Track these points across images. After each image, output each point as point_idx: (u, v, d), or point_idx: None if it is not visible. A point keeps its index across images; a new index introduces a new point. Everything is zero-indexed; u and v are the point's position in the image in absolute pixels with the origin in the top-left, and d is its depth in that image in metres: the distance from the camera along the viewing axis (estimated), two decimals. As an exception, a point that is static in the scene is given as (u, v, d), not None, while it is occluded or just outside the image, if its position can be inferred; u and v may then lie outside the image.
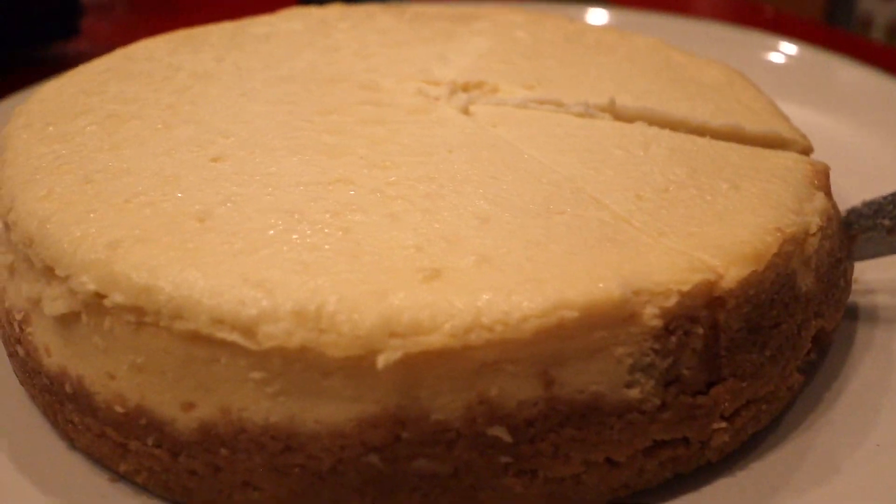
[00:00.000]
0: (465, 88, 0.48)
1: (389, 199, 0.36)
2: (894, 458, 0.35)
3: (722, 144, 0.43)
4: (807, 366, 0.39)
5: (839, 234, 0.41)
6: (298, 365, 0.30)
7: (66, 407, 0.35)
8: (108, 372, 0.33)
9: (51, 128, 0.42)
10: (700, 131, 0.44)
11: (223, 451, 0.32)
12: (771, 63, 0.67)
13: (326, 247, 0.33)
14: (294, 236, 0.33)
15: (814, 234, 0.37)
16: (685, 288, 0.32)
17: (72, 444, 0.36)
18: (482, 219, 0.35)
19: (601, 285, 0.31)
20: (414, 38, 0.56)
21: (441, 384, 0.30)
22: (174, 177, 0.37)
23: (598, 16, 0.76)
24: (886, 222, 0.42)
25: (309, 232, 0.33)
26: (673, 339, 0.32)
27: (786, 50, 0.68)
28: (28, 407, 0.39)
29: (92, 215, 0.34)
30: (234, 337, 0.30)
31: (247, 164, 0.38)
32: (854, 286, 0.43)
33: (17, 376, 0.39)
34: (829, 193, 0.41)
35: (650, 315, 0.31)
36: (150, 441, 0.33)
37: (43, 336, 0.35)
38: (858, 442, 0.37)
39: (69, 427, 0.36)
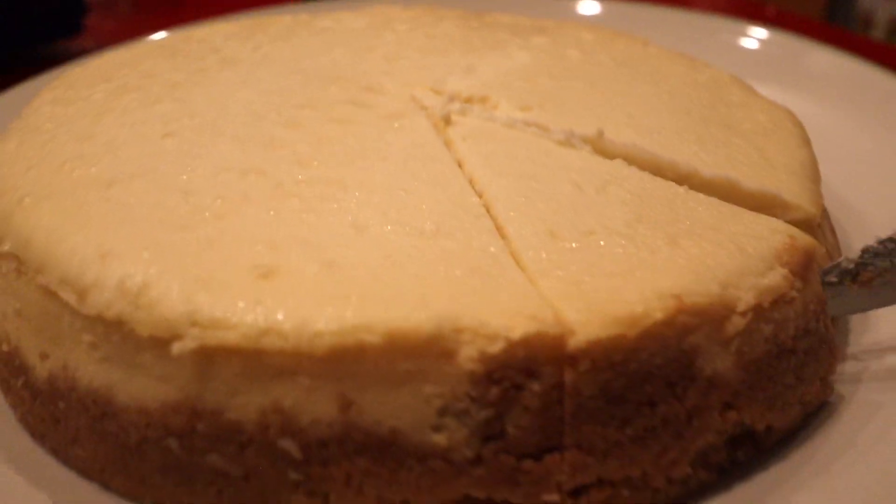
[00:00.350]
0: (466, 101, 0.46)
1: (285, 195, 0.36)
2: None
3: (699, 197, 0.38)
4: (723, 462, 0.33)
5: (804, 322, 0.34)
6: (117, 336, 0.31)
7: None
8: (2, 311, 0.36)
9: (69, 91, 0.47)
10: (685, 180, 0.39)
11: (61, 404, 0.33)
12: (743, 48, 0.63)
13: (196, 228, 0.33)
14: (171, 216, 0.34)
15: (741, 314, 0.31)
16: (514, 336, 0.28)
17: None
18: (359, 228, 0.34)
19: (414, 314, 0.29)
20: (458, 48, 0.54)
21: (238, 383, 0.30)
22: (121, 145, 0.40)
23: (589, 7, 0.72)
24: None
25: (186, 213, 0.34)
26: (495, 389, 0.29)
27: (758, 35, 0.63)
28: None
29: (28, 172, 0.38)
30: (71, 298, 0.32)
31: (186, 145, 0.40)
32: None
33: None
34: (796, 274, 0.34)
35: (466, 357, 0.28)
36: (20, 382, 0.35)
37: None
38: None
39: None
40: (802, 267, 0.34)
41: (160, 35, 0.58)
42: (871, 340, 0.40)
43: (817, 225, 0.38)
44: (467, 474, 0.29)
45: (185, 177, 0.37)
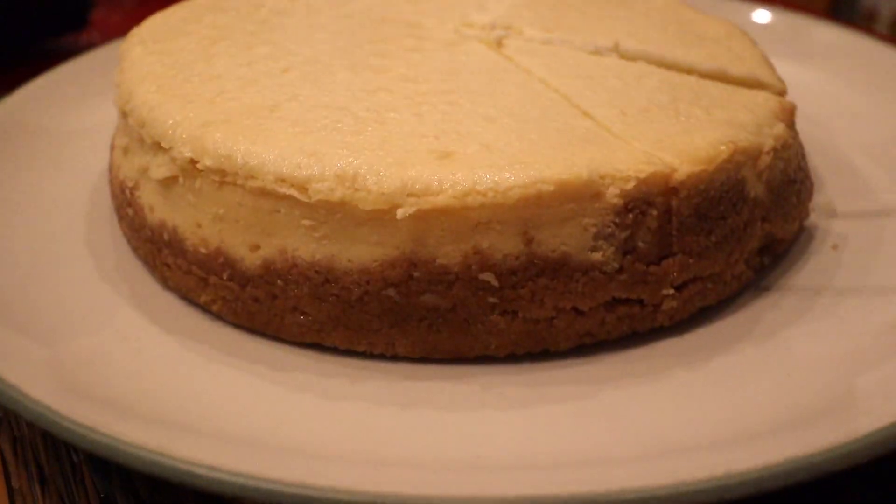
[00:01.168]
0: (504, 28, 0.57)
1: (417, 103, 0.45)
2: (827, 327, 0.43)
3: (706, 82, 0.50)
4: (757, 264, 0.47)
5: (797, 161, 0.48)
6: (338, 215, 0.40)
7: (162, 252, 0.46)
8: (197, 222, 0.43)
9: (158, 45, 0.53)
10: (690, 72, 0.51)
11: (279, 282, 0.42)
12: (753, 23, 0.73)
13: (366, 132, 0.42)
14: (340, 125, 0.43)
15: (767, 153, 0.45)
16: (641, 175, 0.40)
17: (165, 284, 0.47)
18: (489, 119, 0.44)
19: (574, 168, 0.40)
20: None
21: (445, 236, 0.39)
22: (253, 81, 0.47)
23: None
24: None
25: (352, 122, 0.43)
26: (630, 216, 0.40)
27: (764, 16, 0.74)
28: (134, 261, 0.49)
29: (190, 105, 0.45)
30: (291, 192, 0.40)
31: (309, 75, 0.48)
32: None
33: (125, 233, 0.50)
34: (790, 125, 0.48)
35: (612, 194, 0.40)
36: (224, 275, 0.43)
37: (148, 197, 0.46)
38: (794, 322, 0.44)
39: (164, 269, 0.46)
40: (791, 121, 0.48)
41: None
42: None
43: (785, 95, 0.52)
44: (615, 280, 0.41)
45: (327, 98, 0.45)
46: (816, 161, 0.56)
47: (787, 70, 0.55)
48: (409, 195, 0.39)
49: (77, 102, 0.63)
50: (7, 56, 0.80)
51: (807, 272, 0.48)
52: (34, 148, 0.58)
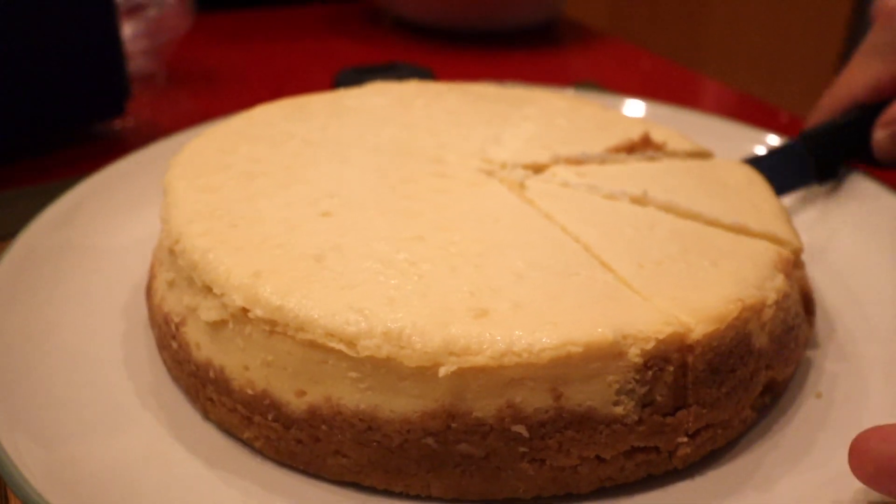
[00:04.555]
0: (525, 168, 0.61)
1: (451, 255, 0.49)
2: (821, 477, 0.47)
3: (711, 230, 0.55)
4: (759, 406, 0.51)
5: (795, 308, 0.53)
6: (383, 370, 0.43)
7: (207, 388, 0.48)
8: (245, 365, 0.46)
9: (200, 180, 0.56)
10: (710, 224, 0.55)
11: (323, 427, 0.44)
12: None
13: (406, 287, 0.46)
14: (382, 278, 0.46)
15: (770, 306, 0.49)
16: (661, 336, 0.44)
17: (206, 416, 0.49)
18: (518, 275, 0.47)
19: (599, 330, 0.43)
20: (475, 119, 0.69)
21: (481, 391, 0.43)
22: (295, 226, 0.51)
23: (635, 107, 0.89)
24: None
25: (393, 275, 0.46)
26: (650, 372, 0.44)
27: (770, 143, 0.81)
28: (174, 388, 0.52)
29: (239, 252, 0.48)
30: (340, 346, 0.43)
31: (347, 220, 0.51)
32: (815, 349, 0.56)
33: (165, 362, 0.52)
34: (788, 275, 0.52)
35: (634, 354, 0.43)
36: (269, 417, 0.46)
37: (195, 335, 0.49)
38: (794, 463, 0.48)
39: (207, 403, 0.49)
40: (789, 272, 0.53)
41: (218, 123, 0.67)
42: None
43: (800, 254, 0.56)
44: (635, 431, 0.45)
45: (368, 248, 0.49)
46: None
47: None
48: (451, 354, 0.42)
49: (111, 216, 0.66)
50: (46, 140, 0.86)
51: (798, 411, 0.52)
52: (69, 264, 0.61)
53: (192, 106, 1.10)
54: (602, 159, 0.64)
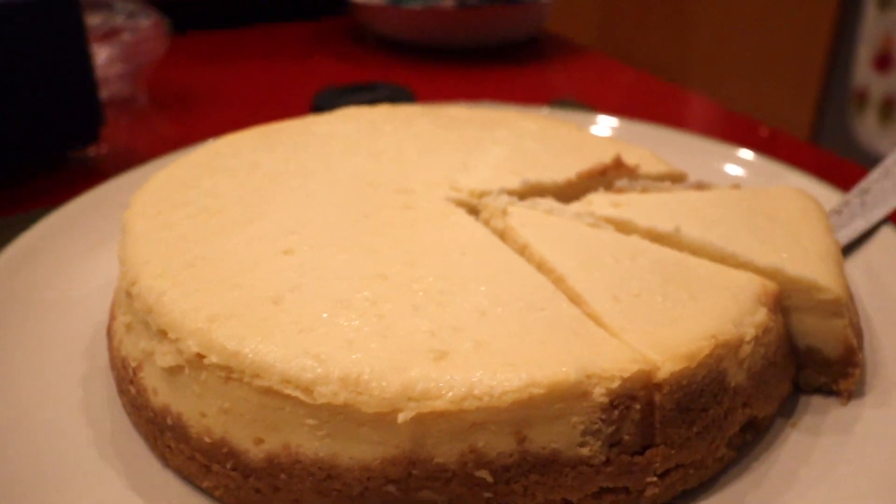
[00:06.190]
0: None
1: (413, 292, 0.48)
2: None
3: (692, 260, 0.53)
4: (739, 444, 0.49)
5: (778, 342, 0.51)
6: (341, 416, 0.42)
7: (165, 435, 0.47)
8: (202, 411, 0.45)
9: (160, 217, 0.55)
10: (746, 267, 0.52)
11: (282, 475, 0.43)
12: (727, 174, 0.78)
13: (365, 329, 0.44)
14: (341, 320, 0.45)
15: (748, 342, 0.47)
16: (626, 375, 0.43)
17: (165, 463, 0.48)
18: (481, 312, 0.46)
19: (563, 370, 0.42)
20: (445, 145, 0.68)
21: (442, 436, 0.42)
22: (254, 265, 0.49)
23: (606, 123, 0.88)
24: None
25: (352, 317, 0.45)
26: (616, 412, 0.43)
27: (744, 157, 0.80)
28: (133, 434, 0.51)
29: (196, 294, 0.47)
30: (296, 393, 0.42)
31: (308, 259, 0.50)
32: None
33: (126, 409, 0.51)
34: (772, 310, 0.50)
35: (598, 394, 0.42)
36: (228, 465, 0.44)
37: (152, 381, 0.47)
38: (774, 500, 0.47)
39: (166, 450, 0.47)
40: (774, 305, 0.51)
41: (185, 152, 0.66)
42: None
43: (845, 305, 0.50)
44: (602, 472, 0.43)
45: (327, 288, 0.48)
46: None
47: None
48: (410, 399, 0.41)
49: (74, 255, 0.65)
50: (18, 169, 0.86)
51: (781, 448, 0.50)
52: (30, 306, 0.60)
53: (170, 130, 1.09)
54: (644, 187, 0.62)
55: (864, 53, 2.09)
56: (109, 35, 1.03)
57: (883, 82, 2.08)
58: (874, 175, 0.70)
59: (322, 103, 1.00)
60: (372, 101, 0.80)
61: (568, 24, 1.66)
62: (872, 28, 2.07)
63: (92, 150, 0.95)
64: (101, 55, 1.03)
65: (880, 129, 2.09)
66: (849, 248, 0.65)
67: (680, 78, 1.30)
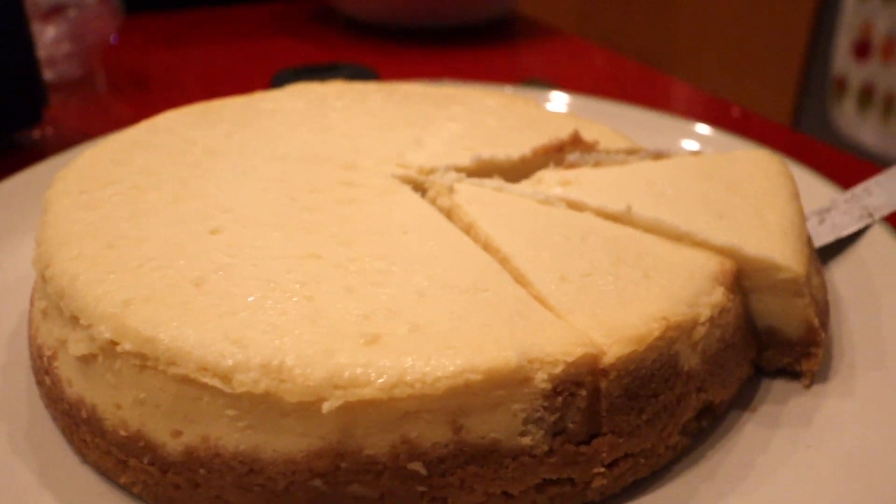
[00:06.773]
0: (429, 173, 0.57)
1: (348, 273, 0.45)
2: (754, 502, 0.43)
3: (648, 237, 0.50)
4: (694, 430, 0.46)
5: (736, 323, 0.48)
6: (263, 406, 0.39)
7: (81, 428, 0.44)
8: (116, 403, 0.42)
9: (84, 196, 0.51)
10: (702, 246, 0.49)
11: (202, 470, 0.40)
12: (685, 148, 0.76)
13: (293, 312, 0.41)
14: (268, 302, 0.42)
15: (703, 324, 0.45)
16: (570, 359, 0.40)
17: (84, 459, 0.45)
18: (420, 293, 0.43)
19: (502, 354, 0.39)
20: (398, 121, 0.65)
21: (372, 426, 0.39)
22: (179, 246, 0.46)
23: (560, 99, 0.85)
24: None
25: (280, 299, 0.42)
26: (559, 398, 0.40)
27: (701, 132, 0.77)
28: (51, 427, 0.47)
29: (111, 276, 0.43)
30: (214, 382, 0.39)
31: (238, 238, 0.47)
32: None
33: (43, 401, 0.48)
34: (729, 289, 0.47)
35: (540, 379, 0.39)
36: (145, 460, 0.41)
37: (66, 370, 0.44)
38: (730, 493, 0.44)
39: (82, 445, 0.44)
40: (732, 284, 0.48)
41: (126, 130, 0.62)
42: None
43: (805, 284, 0.48)
44: (545, 463, 0.41)
45: (255, 268, 0.44)
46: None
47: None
48: (336, 387, 0.38)
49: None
50: None
51: (738, 434, 0.48)
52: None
53: (125, 112, 1.05)
54: (596, 161, 0.59)
55: (844, 41, 2.08)
56: (54, 12, 0.99)
57: (862, 70, 2.07)
58: (841, 197, 0.65)
59: (280, 83, 0.96)
60: (335, 79, 0.77)
61: (546, 9, 1.63)
62: (852, 16, 2.06)
63: (36, 133, 0.90)
64: (48, 34, 0.99)
65: (859, 116, 2.08)
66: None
67: (661, 65, 1.27)
